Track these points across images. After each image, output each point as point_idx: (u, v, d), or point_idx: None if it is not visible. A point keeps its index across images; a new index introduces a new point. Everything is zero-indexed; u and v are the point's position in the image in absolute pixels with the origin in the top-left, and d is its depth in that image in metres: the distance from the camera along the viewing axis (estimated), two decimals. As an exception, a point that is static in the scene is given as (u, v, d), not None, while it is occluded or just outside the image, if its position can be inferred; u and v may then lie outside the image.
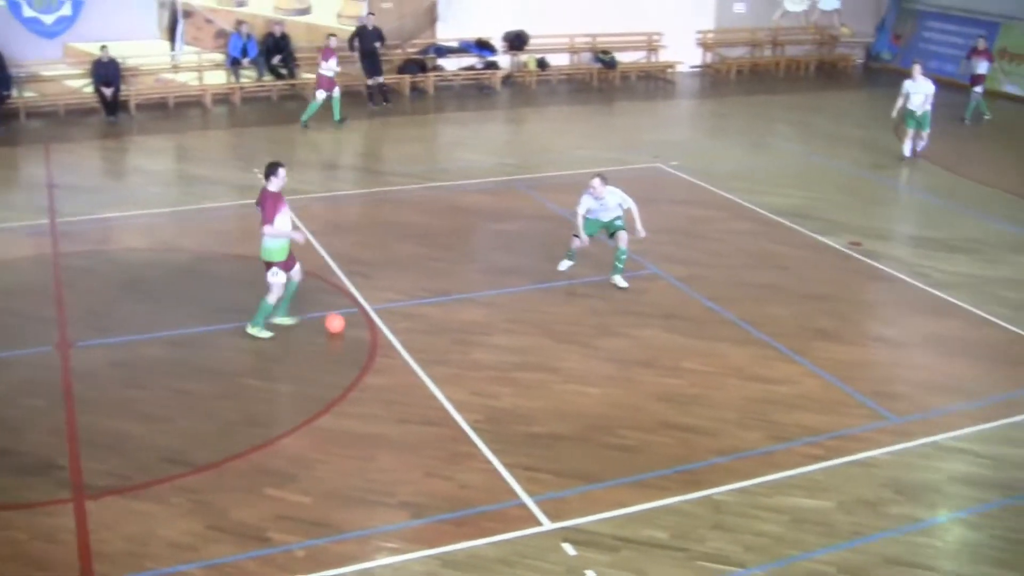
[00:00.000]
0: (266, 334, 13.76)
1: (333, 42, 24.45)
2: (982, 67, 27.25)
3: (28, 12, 26.24)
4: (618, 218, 15.52)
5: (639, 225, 15.49)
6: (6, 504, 10.15)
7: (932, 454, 11.45)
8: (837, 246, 17.63)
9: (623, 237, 15.49)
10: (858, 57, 35.30)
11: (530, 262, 16.59)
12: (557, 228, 17.87)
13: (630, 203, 15.46)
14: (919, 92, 22.08)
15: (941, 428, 11.93)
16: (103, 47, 24.90)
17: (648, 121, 26.92)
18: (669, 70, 31.80)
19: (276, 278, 13.58)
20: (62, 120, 25.23)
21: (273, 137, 23.98)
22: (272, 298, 13.63)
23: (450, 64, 29.26)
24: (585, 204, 15.45)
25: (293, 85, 27.59)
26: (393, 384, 12.62)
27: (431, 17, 29.19)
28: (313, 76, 25.73)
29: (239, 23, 27.29)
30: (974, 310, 15.24)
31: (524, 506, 10.27)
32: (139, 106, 25.99)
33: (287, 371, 12.99)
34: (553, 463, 11.03)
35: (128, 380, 12.65)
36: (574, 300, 15.23)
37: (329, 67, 24.10)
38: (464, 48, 29.26)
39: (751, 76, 32.59)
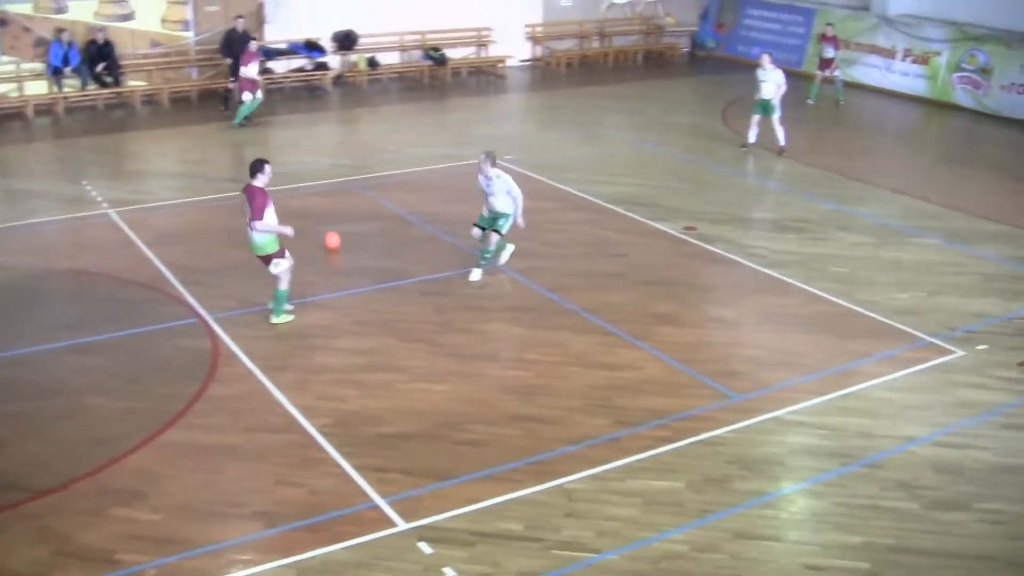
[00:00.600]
0: (288, 317, 14.31)
1: (253, 46, 24.48)
2: (829, 52, 28.21)
3: None
4: (504, 216, 15.53)
5: (520, 216, 15.60)
6: None
7: (774, 429, 11.77)
8: (672, 232, 17.98)
9: (493, 239, 15.54)
10: (684, 46, 35.98)
11: (371, 262, 16.53)
12: (396, 227, 17.86)
13: (518, 192, 15.52)
14: (770, 81, 22.51)
15: (781, 403, 12.29)
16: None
17: (481, 116, 27.03)
18: (500, 65, 31.95)
19: (280, 267, 13.99)
20: None
21: (100, 147, 23.34)
22: (284, 284, 14.08)
23: (280, 66, 28.89)
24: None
25: (119, 93, 26.88)
26: (238, 393, 12.43)
27: (259, 20, 28.78)
28: (141, 83, 25.17)
29: (59, 31, 26.44)
30: (805, 287, 15.71)
31: (377, 508, 10.23)
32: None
33: (129, 387, 12.63)
34: (404, 463, 11.01)
35: (-40, 405, 12.22)
36: (417, 298, 15.20)
37: (250, 71, 24.09)
38: (293, 50, 28.94)
39: (581, 68, 32.96)
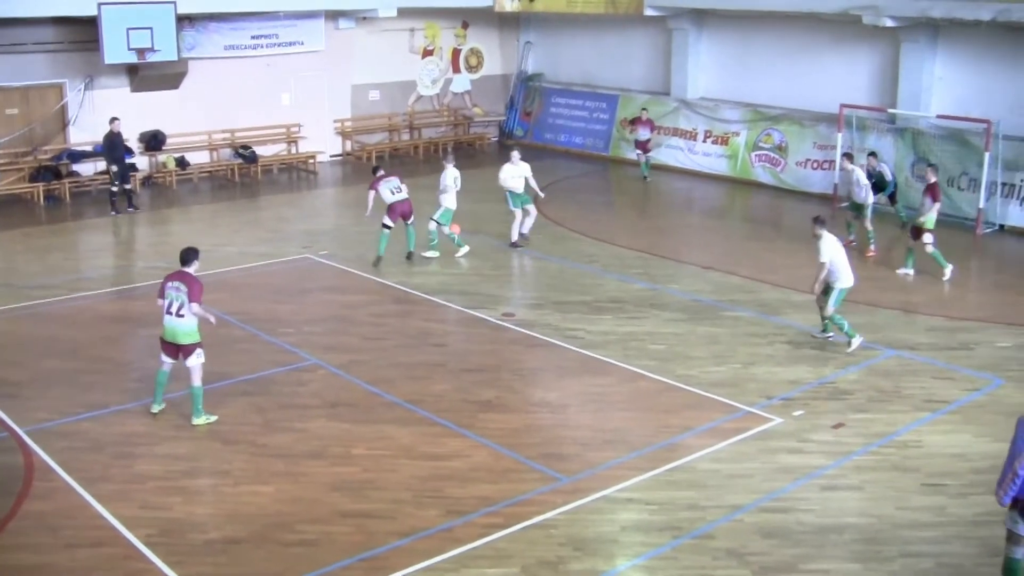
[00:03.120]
0: (213, 417, 14.09)
1: (380, 172, 22.16)
2: (644, 134, 29.58)
3: None
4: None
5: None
6: None
7: (604, 508, 11.86)
8: (491, 319, 18.11)
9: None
10: (493, 135, 36.60)
11: (188, 365, 16.17)
12: (211, 328, 17.54)
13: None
14: (518, 176, 22.40)
15: (609, 482, 12.39)
16: None
17: (294, 212, 26.86)
18: (311, 160, 31.89)
19: (200, 358, 13.94)
20: None
21: None
22: (198, 379, 13.93)
23: (86, 168, 28.24)
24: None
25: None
26: (56, 508, 11.89)
27: (62, 122, 28.18)
28: None
29: None
30: (625, 365, 15.97)
31: (206, 617, 9.92)
32: None
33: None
34: (233, 568, 10.70)
35: None
36: (236, 399, 14.87)
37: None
38: (98, 152, 28.33)
39: (391, 161, 33.10)
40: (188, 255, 14.10)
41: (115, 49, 26.39)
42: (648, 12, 30.50)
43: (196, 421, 14.01)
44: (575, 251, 22.47)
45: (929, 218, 20.17)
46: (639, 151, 29.96)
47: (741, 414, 14.30)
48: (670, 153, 31.36)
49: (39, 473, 12.72)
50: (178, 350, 13.93)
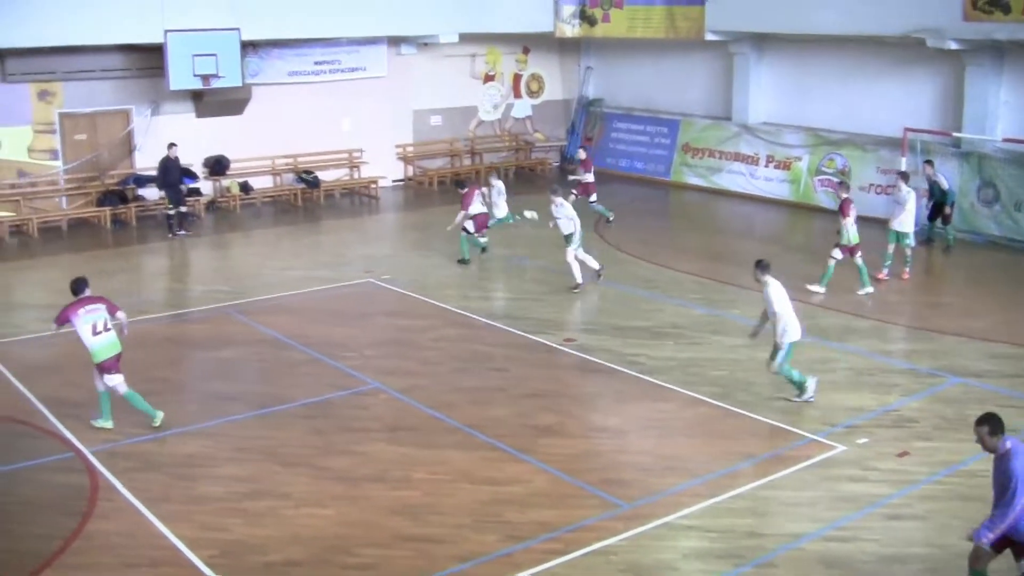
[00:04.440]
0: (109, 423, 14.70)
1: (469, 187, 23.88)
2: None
3: None
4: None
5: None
6: None
7: (665, 535, 11.77)
8: (551, 343, 18.07)
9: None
10: (554, 160, 36.61)
11: (248, 388, 16.29)
12: (273, 351, 17.67)
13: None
14: (567, 217, 21.39)
15: (670, 509, 12.29)
16: None
17: (355, 237, 27.03)
18: (372, 185, 32.06)
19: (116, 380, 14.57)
20: None
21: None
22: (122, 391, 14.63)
23: (151, 193, 28.55)
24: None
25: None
26: (118, 529, 12.00)
27: (128, 147, 28.57)
28: (9, 214, 25.22)
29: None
30: (686, 391, 15.87)
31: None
32: None
33: (6, 525, 12.15)
34: (292, 591, 10.75)
35: None
36: (298, 422, 14.96)
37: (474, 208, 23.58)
38: (154, 177, 28.67)
39: (453, 186, 33.10)
40: (81, 284, 14.78)
41: (180, 75, 26.76)
42: (709, 37, 30.42)
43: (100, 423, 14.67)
44: (635, 276, 22.39)
45: (847, 234, 20.37)
46: (580, 193, 26.75)
47: (804, 442, 14.15)
48: (731, 178, 31.24)
49: (102, 493, 12.85)
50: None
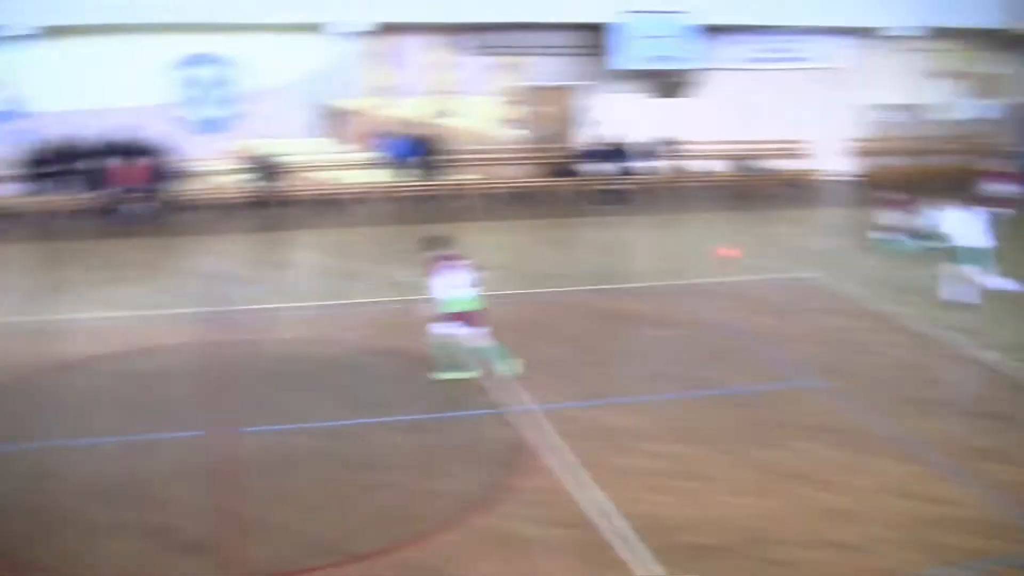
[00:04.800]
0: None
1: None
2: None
3: (195, 111, 27.35)
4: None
5: None
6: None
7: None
8: (1008, 361, 16.85)
9: None
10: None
11: (683, 369, 16.46)
12: (711, 336, 17.74)
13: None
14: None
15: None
16: (263, 146, 25.95)
17: (796, 230, 26.47)
18: (818, 178, 31.41)
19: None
20: (223, 212, 26.17)
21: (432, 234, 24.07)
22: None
23: (595, 168, 29.25)
24: None
25: (460, 186, 28.38)
26: (542, 486, 12.45)
27: (576, 122, 29.58)
28: (473, 176, 27.83)
29: (399, 125, 28.17)
30: None
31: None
32: (296, 201, 26.81)
33: (438, 467, 12.94)
34: (718, 576, 10.69)
35: (282, 467, 12.82)
36: (731, 409, 14.93)
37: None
38: (601, 153, 29.42)
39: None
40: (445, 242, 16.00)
41: (633, 55, 27.43)
42: None
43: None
44: None
45: None
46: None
47: None
48: None
49: (532, 451, 13.33)
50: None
